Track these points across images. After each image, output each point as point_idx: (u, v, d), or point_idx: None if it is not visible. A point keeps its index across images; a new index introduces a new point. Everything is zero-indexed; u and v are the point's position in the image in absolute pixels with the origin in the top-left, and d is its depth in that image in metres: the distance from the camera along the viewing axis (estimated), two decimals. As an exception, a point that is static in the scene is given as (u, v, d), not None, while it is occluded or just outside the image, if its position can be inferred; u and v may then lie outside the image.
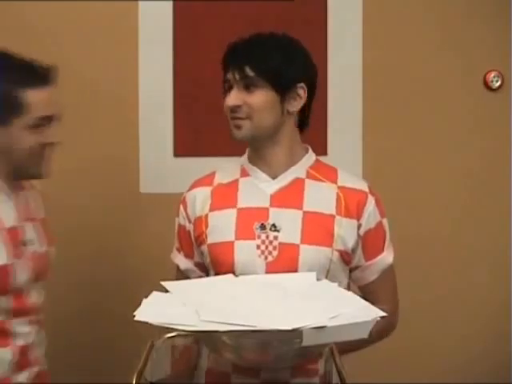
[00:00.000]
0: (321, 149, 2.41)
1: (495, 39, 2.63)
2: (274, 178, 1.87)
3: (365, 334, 1.46)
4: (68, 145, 2.48)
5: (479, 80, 2.64)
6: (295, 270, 1.79)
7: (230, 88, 1.84)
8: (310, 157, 1.92)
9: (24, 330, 1.87)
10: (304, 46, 1.89)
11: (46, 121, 1.81)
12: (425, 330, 2.59)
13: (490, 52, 2.63)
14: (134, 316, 1.49)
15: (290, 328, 1.37)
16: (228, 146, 2.59)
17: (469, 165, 2.66)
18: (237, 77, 1.82)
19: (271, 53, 1.82)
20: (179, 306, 1.51)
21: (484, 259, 2.63)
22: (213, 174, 1.97)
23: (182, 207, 1.95)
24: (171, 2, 2.55)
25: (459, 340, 2.57)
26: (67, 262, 2.35)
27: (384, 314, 1.50)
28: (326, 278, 1.81)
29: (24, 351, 1.88)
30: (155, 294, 1.62)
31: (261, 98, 1.82)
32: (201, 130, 2.57)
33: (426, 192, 2.38)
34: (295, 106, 1.85)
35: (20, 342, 1.87)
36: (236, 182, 1.91)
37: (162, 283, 1.67)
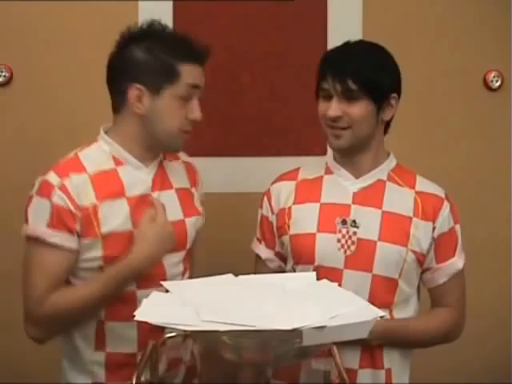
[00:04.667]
0: (320, 148, 2.41)
1: (495, 39, 2.62)
2: (357, 177, 1.94)
3: (364, 334, 1.46)
4: (68, 145, 2.49)
5: (479, 80, 2.64)
6: (371, 265, 1.88)
7: (328, 97, 1.89)
8: (392, 161, 1.99)
9: None
10: (391, 54, 1.95)
11: (194, 91, 1.88)
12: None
13: (489, 52, 2.63)
14: (134, 316, 1.49)
15: (290, 328, 1.37)
16: (228, 146, 2.60)
17: (469, 165, 2.66)
18: (338, 88, 1.87)
19: (371, 65, 1.88)
20: (179, 306, 1.51)
21: (484, 258, 2.63)
22: (297, 170, 2.04)
23: (265, 199, 2.03)
24: (171, 2, 2.55)
25: (458, 339, 2.57)
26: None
27: (383, 313, 1.50)
28: (400, 277, 1.90)
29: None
30: (155, 294, 1.62)
31: (361, 109, 1.87)
32: (201, 130, 2.57)
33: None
34: (389, 115, 1.94)
35: None
36: (320, 178, 1.99)
37: (162, 283, 1.67)
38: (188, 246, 2.00)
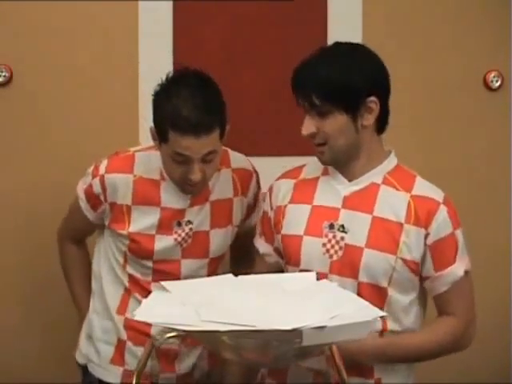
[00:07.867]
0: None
1: (495, 39, 2.63)
2: (350, 180, 1.89)
3: (364, 334, 1.46)
4: (68, 145, 2.49)
5: (479, 80, 2.64)
6: (357, 272, 1.82)
7: (306, 112, 1.84)
8: (390, 162, 1.91)
9: None
10: (370, 52, 1.87)
11: (182, 158, 1.92)
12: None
13: (489, 52, 2.63)
14: (134, 316, 1.49)
15: (290, 328, 1.37)
16: (228, 146, 2.60)
17: (469, 164, 2.66)
18: (306, 105, 1.82)
19: (334, 76, 1.79)
20: (179, 306, 1.51)
21: (484, 258, 2.63)
22: (301, 168, 2.01)
23: (268, 194, 2.02)
24: (171, 2, 2.55)
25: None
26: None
27: (383, 313, 1.50)
28: (389, 285, 1.82)
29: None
30: (155, 294, 1.62)
31: (334, 123, 1.81)
32: (201, 130, 2.57)
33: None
34: (369, 119, 1.83)
35: None
36: (317, 179, 1.94)
37: (162, 283, 1.67)
38: (212, 255, 2.09)
